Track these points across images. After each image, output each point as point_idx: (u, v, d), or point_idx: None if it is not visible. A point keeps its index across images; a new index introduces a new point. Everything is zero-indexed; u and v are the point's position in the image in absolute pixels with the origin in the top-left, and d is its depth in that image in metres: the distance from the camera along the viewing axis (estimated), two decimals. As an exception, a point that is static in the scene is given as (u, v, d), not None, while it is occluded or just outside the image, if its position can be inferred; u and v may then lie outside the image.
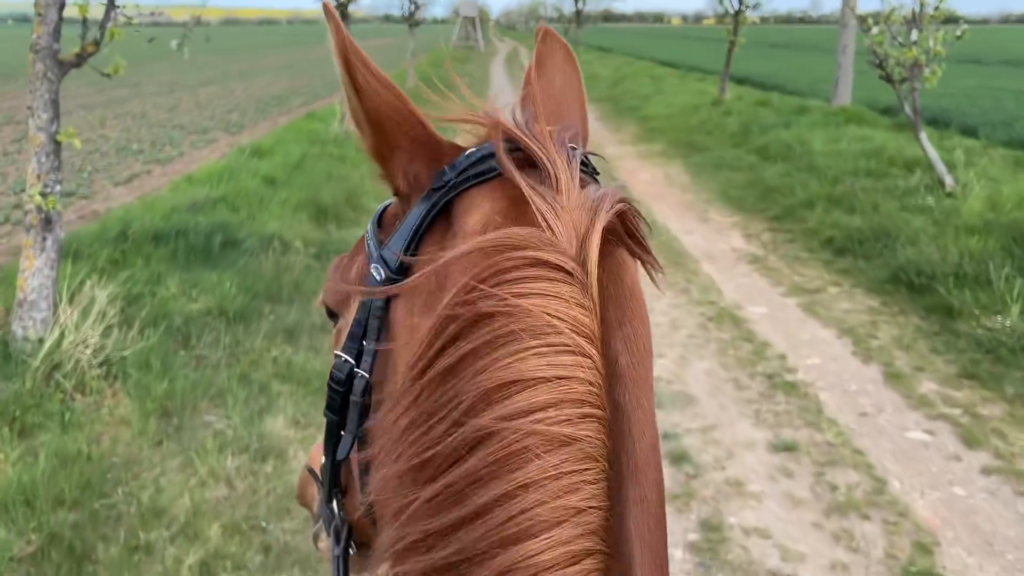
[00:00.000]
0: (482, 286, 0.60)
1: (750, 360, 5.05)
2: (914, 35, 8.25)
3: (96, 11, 4.46)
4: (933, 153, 8.32)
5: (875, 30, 8.58)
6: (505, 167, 0.69)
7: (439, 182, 0.75)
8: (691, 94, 18.37)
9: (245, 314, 5.20)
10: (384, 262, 0.77)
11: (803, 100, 15.54)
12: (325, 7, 0.81)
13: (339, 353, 0.82)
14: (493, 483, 0.56)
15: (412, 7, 21.75)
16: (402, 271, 0.75)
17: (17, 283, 4.33)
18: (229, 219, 6.94)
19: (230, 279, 5.58)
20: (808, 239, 7.57)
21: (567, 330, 0.59)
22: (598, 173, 0.80)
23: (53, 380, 4.00)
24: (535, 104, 0.77)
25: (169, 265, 5.81)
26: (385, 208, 0.88)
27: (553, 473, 0.56)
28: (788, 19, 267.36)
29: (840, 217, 7.67)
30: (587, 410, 0.58)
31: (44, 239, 4.27)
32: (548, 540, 0.55)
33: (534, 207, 0.65)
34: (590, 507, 0.56)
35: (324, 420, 0.86)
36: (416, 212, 0.76)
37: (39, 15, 4.16)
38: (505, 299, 0.59)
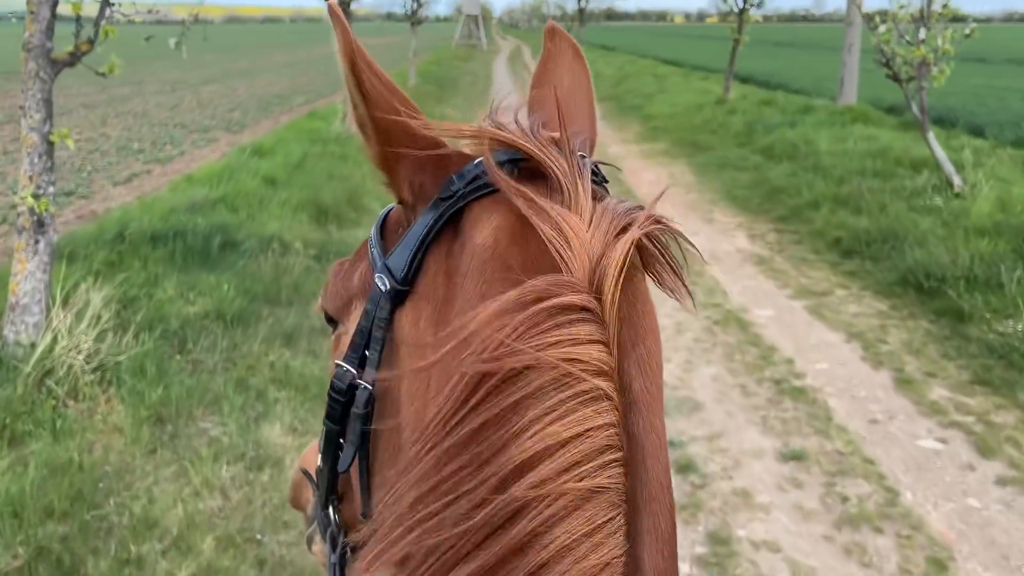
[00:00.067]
0: (507, 340, 0.58)
1: (757, 365, 4.95)
2: (922, 33, 8.15)
3: (91, 8, 4.38)
4: (941, 153, 8.21)
5: (882, 28, 8.47)
6: (503, 187, 0.67)
7: (447, 191, 0.73)
8: (695, 93, 18.28)
9: (243, 317, 5.10)
10: (389, 272, 0.75)
11: (808, 99, 15.45)
12: (331, 8, 0.75)
13: (340, 363, 0.79)
14: (530, 552, 0.55)
15: (415, 5, 21.52)
16: (407, 281, 0.74)
17: (9, 287, 4.24)
18: (228, 220, 6.84)
19: (228, 281, 5.48)
20: (815, 240, 7.46)
21: (587, 375, 0.57)
22: (607, 181, 0.77)
23: (45, 386, 3.91)
24: (543, 108, 0.74)
25: (166, 267, 5.72)
26: (388, 214, 0.85)
27: (585, 531, 0.55)
28: (791, 17, 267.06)
29: (847, 218, 7.55)
30: (609, 456, 0.57)
31: (37, 242, 4.18)
32: None
33: (543, 235, 0.63)
34: (614, 558, 0.55)
35: (323, 427, 0.84)
36: (422, 221, 0.74)
37: (31, 12, 4.07)
38: (526, 352, 0.57)
